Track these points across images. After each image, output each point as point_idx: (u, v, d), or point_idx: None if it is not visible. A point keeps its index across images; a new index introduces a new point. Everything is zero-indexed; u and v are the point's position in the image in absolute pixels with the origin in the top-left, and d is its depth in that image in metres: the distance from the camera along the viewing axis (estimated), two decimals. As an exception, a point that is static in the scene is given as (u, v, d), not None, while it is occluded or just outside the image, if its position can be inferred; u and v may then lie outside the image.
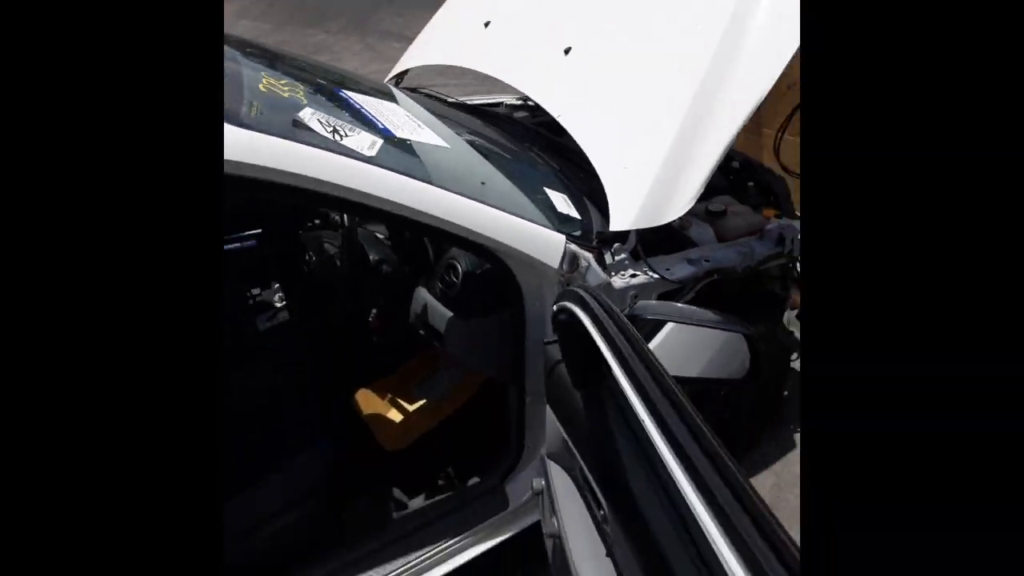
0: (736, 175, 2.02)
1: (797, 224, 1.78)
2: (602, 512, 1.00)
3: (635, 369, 0.71)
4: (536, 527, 1.60)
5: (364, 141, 1.21)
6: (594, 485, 1.03)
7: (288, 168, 1.05)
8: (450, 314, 1.46)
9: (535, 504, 1.60)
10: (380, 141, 1.24)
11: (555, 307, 1.12)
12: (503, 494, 1.61)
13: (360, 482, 1.72)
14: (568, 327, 1.14)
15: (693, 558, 0.79)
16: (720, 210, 1.75)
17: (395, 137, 1.32)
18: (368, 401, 1.94)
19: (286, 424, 1.56)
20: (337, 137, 1.16)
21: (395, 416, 1.91)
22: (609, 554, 1.04)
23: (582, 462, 1.07)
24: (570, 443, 1.12)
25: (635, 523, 0.91)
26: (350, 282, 1.50)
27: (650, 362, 0.71)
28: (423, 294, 1.53)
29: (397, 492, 1.71)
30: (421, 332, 1.55)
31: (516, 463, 1.62)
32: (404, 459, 1.82)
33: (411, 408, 1.92)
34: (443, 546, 1.53)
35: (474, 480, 1.64)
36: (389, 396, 1.95)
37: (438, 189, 1.22)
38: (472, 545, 1.57)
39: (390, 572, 1.47)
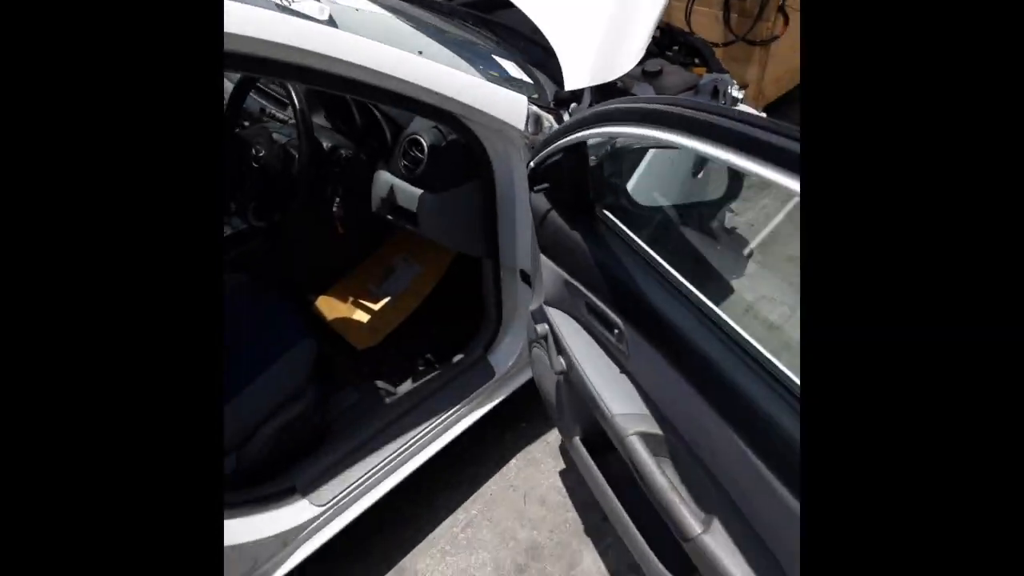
0: (659, 42, 2.07)
1: (726, 76, 1.87)
2: (617, 331, 1.07)
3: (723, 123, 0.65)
4: (524, 389, 1.67)
5: (312, 6, 1.14)
6: (606, 309, 1.08)
7: (251, 33, 0.98)
8: (420, 191, 1.44)
9: (521, 368, 1.67)
10: (327, 6, 1.17)
11: (543, 152, 1.14)
12: (487, 364, 1.66)
13: (342, 379, 1.71)
14: (559, 169, 1.17)
15: (714, 332, 0.88)
16: (656, 70, 1.79)
17: (339, 3, 1.25)
18: (330, 306, 1.90)
19: (267, 328, 1.51)
20: (286, 2, 1.09)
21: (362, 316, 1.89)
22: (623, 371, 1.12)
23: (590, 294, 1.12)
24: (574, 281, 1.17)
25: (653, 325, 0.98)
26: (311, 168, 1.43)
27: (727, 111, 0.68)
28: (386, 176, 1.50)
29: (381, 383, 1.71)
30: (389, 217, 1.52)
31: (496, 334, 1.67)
32: (380, 355, 1.82)
33: (376, 307, 1.91)
34: (437, 421, 1.57)
35: (458, 357, 1.67)
36: (351, 299, 1.93)
37: (403, 52, 1.18)
38: (465, 415, 1.62)
39: (391, 454, 1.50)
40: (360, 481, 1.46)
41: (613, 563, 1.54)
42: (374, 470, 1.48)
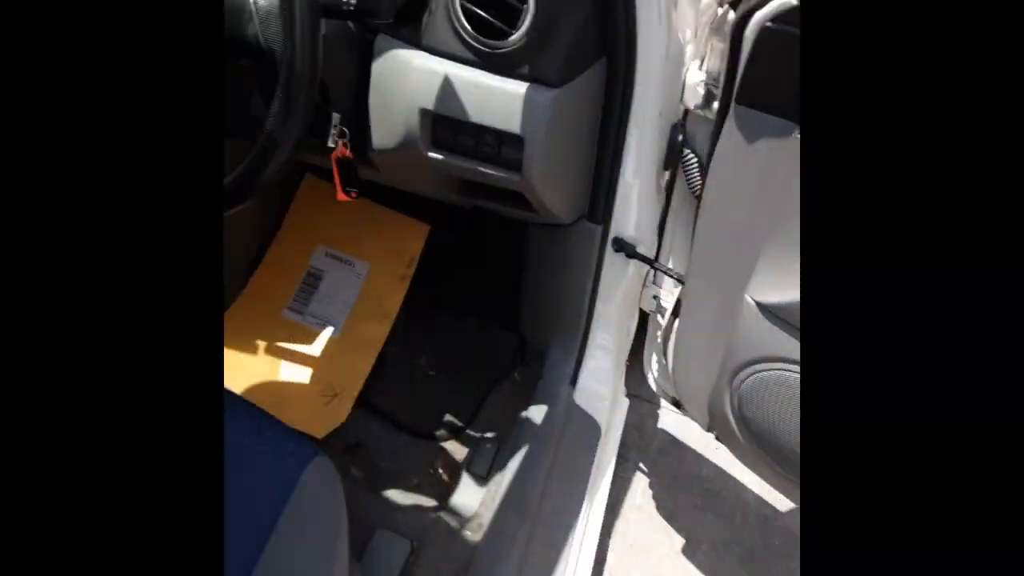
0: None
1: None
2: None
3: None
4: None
5: None
6: None
7: None
8: (525, 86, 0.64)
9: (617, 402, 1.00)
10: None
11: None
12: (580, 413, 0.94)
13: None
14: None
15: None
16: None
17: None
18: (237, 374, 0.96)
19: None
20: None
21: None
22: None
23: None
24: None
25: None
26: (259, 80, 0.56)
27: None
28: (422, 60, 0.66)
29: (410, 497, 0.87)
30: (438, 156, 0.69)
31: (582, 351, 0.95)
32: (359, 434, 0.96)
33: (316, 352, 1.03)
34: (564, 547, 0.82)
35: (530, 412, 0.91)
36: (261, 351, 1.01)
37: None
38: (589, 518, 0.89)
39: None
40: None
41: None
42: None
